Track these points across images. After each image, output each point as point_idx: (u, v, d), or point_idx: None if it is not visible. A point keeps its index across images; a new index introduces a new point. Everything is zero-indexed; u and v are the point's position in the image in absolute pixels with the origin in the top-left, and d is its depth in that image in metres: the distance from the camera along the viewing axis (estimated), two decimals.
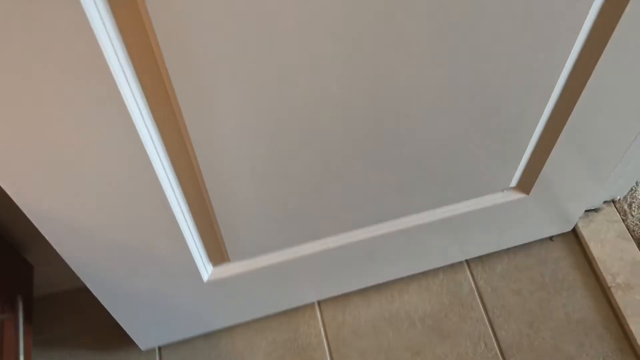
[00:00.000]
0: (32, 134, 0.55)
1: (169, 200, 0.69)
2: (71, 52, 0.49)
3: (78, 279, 0.80)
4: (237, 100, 0.61)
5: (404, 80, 0.65)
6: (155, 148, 0.64)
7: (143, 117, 0.59)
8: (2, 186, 0.60)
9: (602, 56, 0.71)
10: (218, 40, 0.53)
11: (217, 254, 0.87)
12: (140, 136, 0.59)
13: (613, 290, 1.08)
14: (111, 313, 0.89)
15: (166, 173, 0.68)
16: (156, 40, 0.52)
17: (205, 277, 0.88)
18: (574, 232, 1.16)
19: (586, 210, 1.16)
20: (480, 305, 1.09)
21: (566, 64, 0.72)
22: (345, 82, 0.63)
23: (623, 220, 1.16)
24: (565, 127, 0.82)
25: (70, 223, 0.68)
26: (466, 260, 1.14)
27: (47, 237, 0.69)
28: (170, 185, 0.69)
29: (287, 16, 0.53)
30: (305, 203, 0.81)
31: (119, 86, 0.53)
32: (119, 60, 0.53)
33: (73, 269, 0.76)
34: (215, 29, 0.52)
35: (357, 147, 0.73)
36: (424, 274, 1.12)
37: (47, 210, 0.65)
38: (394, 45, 0.60)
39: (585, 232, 1.15)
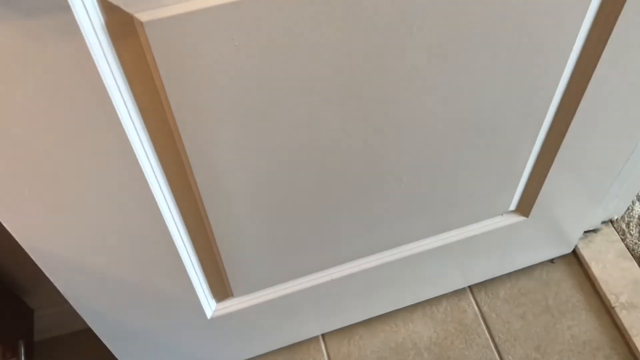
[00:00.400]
0: (37, 176, 0.56)
1: (172, 237, 0.69)
2: (77, 96, 0.50)
3: (78, 321, 0.79)
4: (240, 140, 0.61)
5: (403, 112, 0.66)
6: (160, 186, 0.64)
7: (147, 155, 0.60)
8: (7, 227, 0.60)
9: (591, 81, 0.72)
10: (222, 82, 0.54)
11: (221, 289, 0.87)
12: (145, 174, 0.60)
13: (617, 310, 1.07)
14: (113, 352, 0.88)
15: (170, 210, 0.68)
16: (161, 81, 0.52)
17: (209, 313, 0.88)
18: (575, 254, 1.16)
19: (585, 231, 1.16)
20: (486, 331, 1.08)
21: (557, 90, 0.74)
22: (344, 116, 0.64)
23: (622, 239, 1.16)
24: (560, 150, 0.83)
25: (73, 262, 0.68)
26: (469, 286, 1.14)
27: (49, 276, 0.68)
28: (175, 222, 0.69)
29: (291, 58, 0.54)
30: (307, 236, 0.81)
31: (124, 127, 0.54)
32: (125, 104, 0.54)
33: (75, 307, 0.75)
34: (218, 73, 0.53)
35: (357, 179, 0.74)
36: (428, 301, 1.12)
37: (50, 250, 0.65)
38: (392, 79, 0.61)
39: (586, 253, 1.15)
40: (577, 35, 0.66)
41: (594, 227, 1.17)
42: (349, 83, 0.60)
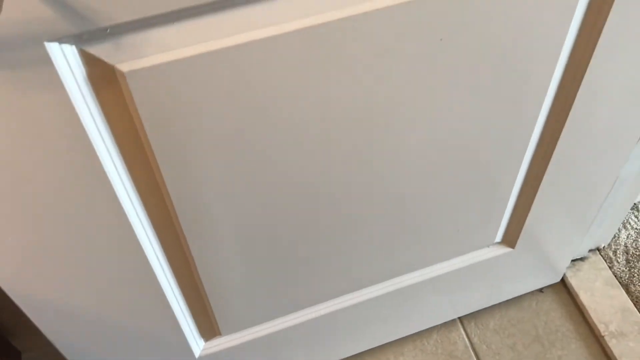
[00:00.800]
0: (21, 223, 0.56)
1: (158, 278, 0.69)
2: (60, 146, 0.51)
3: None
4: (224, 184, 0.62)
5: (387, 150, 0.67)
6: (144, 228, 0.64)
7: (131, 199, 0.60)
8: None
9: (571, 111, 0.73)
10: (204, 130, 0.55)
11: (209, 328, 0.86)
12: (129, 218, 0.60)
13: (607, 338, 1.07)
14: None
15: (156, 253, 0.68)
16: (143, 129, 0.53)
17: (197, 352, 0.87)
18: (563, 282, 1.17)
19: (573, 260, 1.17)
20: None
21: (538, 122, 0.75)
22: (328, 158, 0.65)
23: (609, 267, 1.17)
24: (543, 180, 0.84)
25: (58, 307, 0.67)
26: (459, 318, 1.14)
27: (34, 322, 0.68)
28: (160, 264, 0.70)
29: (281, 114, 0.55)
30: (294, 273, 0.81)
31: (108, 175, 0.55)
32: (108, 151, 0.54)
33: (62, 352, 0.75)
34: (206, 121, 0.54)
35: (342, 216, 0.74)
36: (418, 334, 1.11)
37: (35, 296, 0.64)
38: (376, 117, 0.63)
39: (574, 281, 1.15)
40: (556, 65, 0.67)
41: (581, 256, 1.18)
42: (333, 125, 0.61)
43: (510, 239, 0.96)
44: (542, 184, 0.85)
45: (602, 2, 0.62)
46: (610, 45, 0.66)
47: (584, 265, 1.17)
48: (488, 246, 0.97)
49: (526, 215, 0.91)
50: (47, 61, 0.45)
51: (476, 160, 0.76)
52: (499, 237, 0.96)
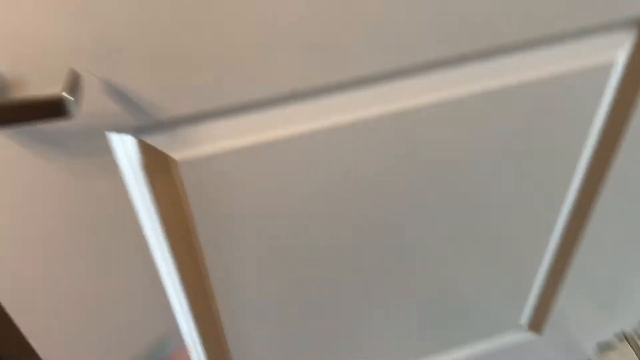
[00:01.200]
0: (69, 298, 0.58)
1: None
2: (111, 226, 0.53)
3: None
4: (266, 269, 0.64)
5: (414, 232, 0.69)
6: (181, 306, 0.66)
7: (172, 277, 0.62)
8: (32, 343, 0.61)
9: (599, 202, 0.75)
10: (247, 216, 0.57)
11: None
12: (170, 301, 0.62)
13: None
14: None
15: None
16: (190, 210, 0.56)
17: None
18: None
19: (599, 346, 1.15)
20: None
21: (563, 211, 0.76)
22: (359, 239, 0.67)
23: (637, 354, 1.15)
24: (570, 269, 0.84)
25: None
26: None
27: None
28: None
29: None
30: (318, 349, 0.81)
31: (151, 251, 0.57)
32: (155, 232, 0.57)
33: None
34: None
35: (369, 295, 0.75)
36: None
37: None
38: (405, 200, 0.65)
39: None
40: (583, 150, 0.68)
41: (606, 340, 1.16)
42: (366, 208, 0.63)
43: (537, 324, 0.96)
44: (568, 273, 0.85)
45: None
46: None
47: (611, 354, 1.15)
48: (513, 331, 0.96)
49: (552, 302, 0.90)
50: (107, 150, 0.48)
51: (501, 250, 0.77)
52: (524, 322, 0.95)
